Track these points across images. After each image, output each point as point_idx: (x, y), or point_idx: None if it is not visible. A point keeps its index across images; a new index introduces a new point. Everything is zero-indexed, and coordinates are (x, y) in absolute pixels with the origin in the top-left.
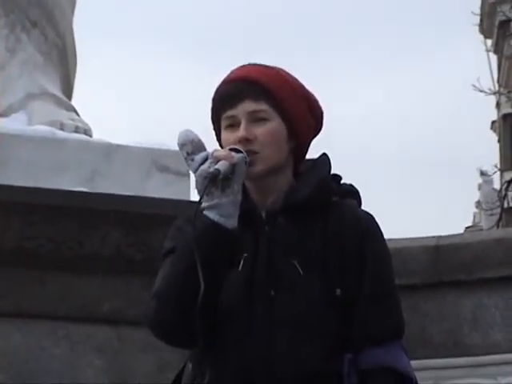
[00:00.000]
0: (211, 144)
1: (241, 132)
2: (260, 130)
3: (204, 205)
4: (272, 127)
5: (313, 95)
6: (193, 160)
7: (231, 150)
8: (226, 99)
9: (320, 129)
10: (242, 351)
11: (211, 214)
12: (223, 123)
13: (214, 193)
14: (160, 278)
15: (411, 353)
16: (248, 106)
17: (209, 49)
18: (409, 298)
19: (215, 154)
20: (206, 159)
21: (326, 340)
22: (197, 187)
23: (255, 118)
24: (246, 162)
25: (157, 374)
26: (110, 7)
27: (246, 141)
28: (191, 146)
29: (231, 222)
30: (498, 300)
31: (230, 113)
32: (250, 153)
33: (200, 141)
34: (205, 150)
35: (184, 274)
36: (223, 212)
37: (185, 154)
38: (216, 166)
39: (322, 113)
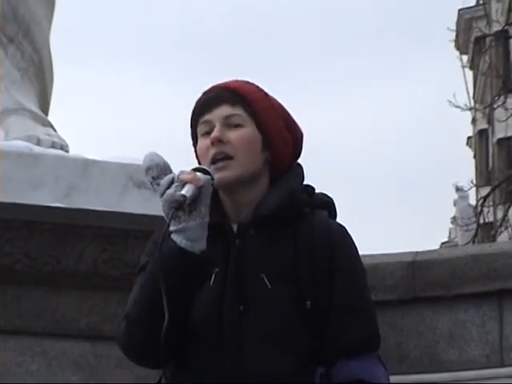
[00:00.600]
0: (187, 162)
1: (214, 133)
2: (234, 135)
3: (171, 229)
4: (246, 132)
5: (292, 117)
6: (158, 184)
7: (198, 170)
8: (204, 104)
9: (299, 150)
10: (212, 367)
11: (178, 239)
12: (199, 129)
13: (181, 216)
14: (131, 298)
15: (388, 369)
16: (224, 110)
17: (188, 69)
18: (385, 313)
19: (180, 176)
20: (171, 182)
21: (297, 353)
22: (164, 211)
23: (230, 124)
24: (211, 183)
25: None
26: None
27: (218, 142)
28: (156, 171)
29: (198, 246)
30: (474, 316)
31: (206, 117)
32: (223, 156)
33: (165, 163)
34: (170, 172)
35: (150, 299)
36: (190, 236)
37: (150, 179)
38: (182, 192)
39: (301, 135)
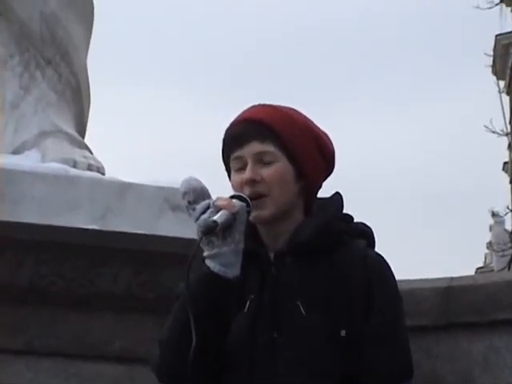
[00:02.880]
0: (219, 186)
1: (247, 174)
2: (266, 172)
3: (205, 254)
4: (278, 168)
5: (323, 135)
6: (194, 209)
7: (234, 197)
8: (234, 140)
9: (332, 168)
10: None
11: (211, 264)
12: (232, 164)
13: (215, 242)
14: (166, 324)
15: None
16: (254, 147)
17: (216, 88)
18: (420, 339)
19: (216, 203)
20: (207, 208)
21: (331, 381)
22: (198, 236)
23: (262, 160)
24: (247, 210)
25: None
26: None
27: (252, 182)
28: (193, 195)
29: (232, 272)
30: (509, 342)
31: (237, 154)
32: (257, 195)
33: (203, 189)
34: (208, 197)
35: (182, 325)
36: (224, 261)
37: (186, 203)
38: (214, 218)
39: (333, 152)
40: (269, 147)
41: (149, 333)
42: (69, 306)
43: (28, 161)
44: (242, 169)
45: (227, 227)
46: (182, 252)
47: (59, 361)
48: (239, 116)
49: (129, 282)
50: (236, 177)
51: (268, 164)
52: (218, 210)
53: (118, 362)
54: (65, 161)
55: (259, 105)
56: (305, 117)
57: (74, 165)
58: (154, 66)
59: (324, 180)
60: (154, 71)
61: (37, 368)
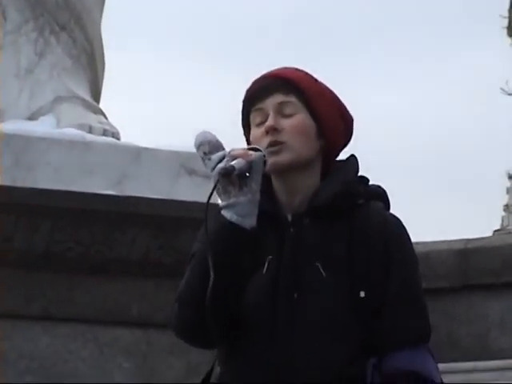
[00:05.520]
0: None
1: (268, 122)
2: (288, 122)
3: (221, 204)
4: (301, 119)
5: (343, 103)
6: (210, 159)
7: (250, 149)
8: (256, 93)
9: (350, 136)
10: (265, 354)
11: (228, 214)
12: (252, 119)
13: (232, 191)
14: (183, 281)
15: (439, 356)
16: (277, 98)
17: (234, 54)
18: (436, 301)
19: (232, 152)
20: (223, 158)
21: (350, 343)
22: (214, 183)
23: (284, 112)
24: (264, 160)
25: (185, 377)
26: (134, 13)
27: (273, 130)
28: (208, 146)
29: (249, 222)
30: None
31: (258, 106)
32: (276, 143)
33: (218, 141)
34: (223, 149)
35: (202, 276)
36: (240, 211)
37: (202, 154)
38: (232, 163)
39: (352, 120)
40: (292, 98)
41: (166, 297)
42: (85, 272)
43: (43, 126)
44: (263, 122)
45: (243, 177)
46: (199, 216)
47: (76, 326)
48: (261, 75)
49: (146, 247)
50: (256, 130)
51: (290, 116)
52: (233, 158)
53: (135, 327)
54: (80, 126)
55: (281, 67)
56: (325, 84)
57: (90, 130)
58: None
59: (343, 147)
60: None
61: (54, 333)
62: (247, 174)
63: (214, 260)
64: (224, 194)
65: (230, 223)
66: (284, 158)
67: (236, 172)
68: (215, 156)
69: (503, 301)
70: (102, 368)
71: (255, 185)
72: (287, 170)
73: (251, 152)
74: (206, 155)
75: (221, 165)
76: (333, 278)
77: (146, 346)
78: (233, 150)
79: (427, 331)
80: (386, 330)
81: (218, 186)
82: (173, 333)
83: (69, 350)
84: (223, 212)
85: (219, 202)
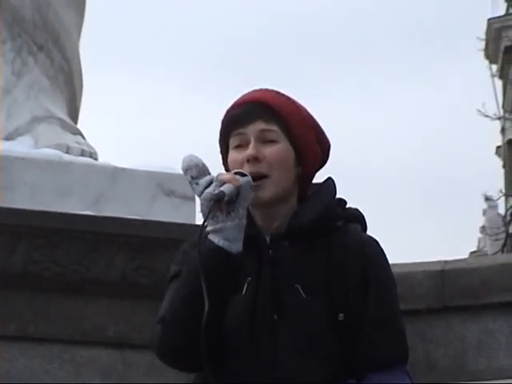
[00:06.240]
0: (214, 169)
1: (250, 150)
2: (269, 150)
3: (209, 229)
4: (281, 148)
5: (321, 126)
6: (197, 184)
7: (236, 173)
8: (237, 120)
9: (326, 159)
10: (245, 375)
11: (216, 239)
12: (231, 142)
13: (219, 216)
14: (165, 303)
15: (416, 378)
16: (259, 125)
17: (208, 76)
18: (414, 323)
19: (220, 177)
20: (210, 183)
21: (328, 365)
22: (202, 211)
23: (265, 139)
24: (251, 185)
25: None
26: (110, 34)
27: (254, 160)
28: (196, 171)
29: (235, 247)
30: (503, 325)
31: (239, 130)
32: (258, 175)
33: (204, 165)
34: (209, 174)
35: (188, 299)
36: (228, 236)
37: (189, 178)
38: (221, 188)
39: (329, 145)
40: (273, 126)
41: (143, 318)
42: (63, 292)
43: (21, 147)
44: (242, 146)
45: (230, 202)
46: (176, 237)
47: (53, 347)
48: (242, 98)
49: (122, 268)
50: (235, 154)
51: (271, 143)
52: (221, 183)
53: (112, 348)
54: (58, 146)
55: (262, 89)
56: (304, 107)
57: (67, 150)
58: (143, 54)
59: (318, 170)
60: (142, 58)
61: (31, 354)
62: (234, 199)
63: (207, 287)
64: (212, 218)
65: (218, 248)
66: (266, 193)
67: (226, 198)
68: (203, 181)
69: (481, 322)
70: None
71: (242, 210)
72: (269, 203)
73: (238, 177)
74: (194, 179)
75: (209, 190)
76: (312, 300)
77: (123, 366)
78: (220, 174)
79: (405, 352)
80: (364, 351)
81: (205, 210)
82: (154, 354)
83: (46, 371)
84: (211, 237)
85: (199, 223)
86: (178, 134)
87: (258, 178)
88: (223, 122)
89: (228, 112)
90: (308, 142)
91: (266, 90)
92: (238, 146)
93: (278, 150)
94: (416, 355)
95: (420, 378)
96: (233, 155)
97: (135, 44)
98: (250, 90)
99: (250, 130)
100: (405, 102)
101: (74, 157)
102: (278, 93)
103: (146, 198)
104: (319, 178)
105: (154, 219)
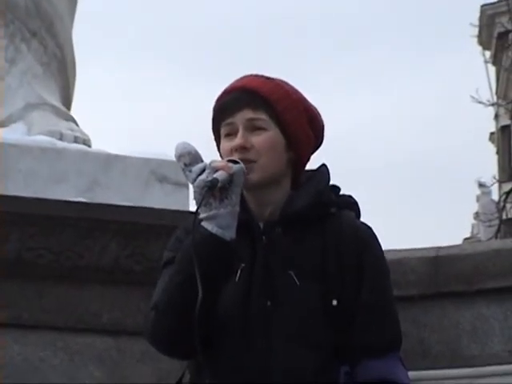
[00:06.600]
0: (208, 156)
1: (237, 140)
2: (257, 139)
3: (202, 216)
4: (269, 136)
5: (314, 108)
6: (190, 171)
7: (229, 161)
8: (225, 108)
9: (321, 142)
10: (239, 362)
11: (209, 226)
12: (222, 131)
13: (212, 204)
14: (159, 289)
15: (410, 364)
16: (246, 114)
17: (206, 63)
18: (408, 309)
19: (213, 164)
20: (203, 170)
21: (322, 351)
22: (195, 198)
23: (253, 127)
24: (243, 172)
25: None
26: (108, 22)
27: (242, 149)
28: (189, 158)
29: (229, 234)
30: (496, 311)
31: (228, 120)
32: (246, 162)
33: (197, 152)
34: (202, 161)
35: (182, 286)
36: (221, 223)
37: (182, 166)
38: (214, 176)
39: (322, 126)
40: (261, 115)
41: (137, 305)
42: (56, 279)
43: (14, 134)
44: (232, 134)
45: (224, 189)
46: (169, 224)
47: (47, 334)
48: (231, 85)
49: (116, 255)
50: (225, 143)
51: (259, 131)
52: (214, 171)
53: (106, 335)
54: (51, 133)
55: (251, 75)
56: (296, 89)
57: (61, 137)
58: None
59: (312, 153)
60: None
61: (24, 341)
62: (227, 186)
63: (201, 274)
64: (205, 205)
65: (211, 235)
66: (254, 177)
67: (219, 185)
68: (196, 168)
69: (475, 308)
70: (73, 376)
71: (235, 197)
72: (257, 187)
73: (231, 164)
74: (187, 166)
75: (202, 177)
76: (306, 286)
77: (117, 353)
78: (213, 161)
79: (398, 339)
80: (357, 337)
81: (198, 197)
82: (148, 341)
83: (40, 358)
84: (204, 224)
85: (192, 209)
86: (165, 120)
87: (246, 162)
88: (213, 110)
89: (218, 100)
90: (298, 126)
91: (256, 76)
92: (228, 135)
93: (266, 137)
94: (410, 341)
95: (414, 363)
96: (224, 144)
97: (123, 30)
98: (241, 76)
99: (238, 119)
100: (397, 89)
101: (68, 144)
102: (267, 78)
103: (140, 185)
104: (314, 164)
105: (148, 206)
